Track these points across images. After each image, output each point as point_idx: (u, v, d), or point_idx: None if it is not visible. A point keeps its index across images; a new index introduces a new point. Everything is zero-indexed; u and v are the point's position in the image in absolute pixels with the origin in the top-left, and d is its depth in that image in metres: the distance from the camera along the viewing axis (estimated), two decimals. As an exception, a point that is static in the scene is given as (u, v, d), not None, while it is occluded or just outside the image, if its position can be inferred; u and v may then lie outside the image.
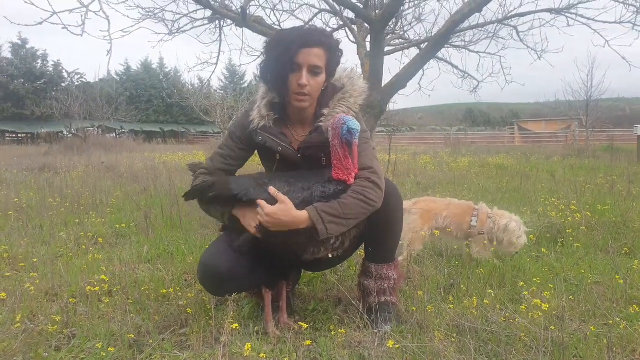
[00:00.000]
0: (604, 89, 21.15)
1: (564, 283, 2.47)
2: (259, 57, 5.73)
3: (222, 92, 31.63)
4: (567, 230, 3.48)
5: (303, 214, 1.71)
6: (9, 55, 36.26)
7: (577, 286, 2.49)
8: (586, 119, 22.18)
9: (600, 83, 21.88)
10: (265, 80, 1.92)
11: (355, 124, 1.72)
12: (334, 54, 1.86)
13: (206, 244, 3.09)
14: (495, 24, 5.03)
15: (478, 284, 2.43)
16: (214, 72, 5.82)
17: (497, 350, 1.72)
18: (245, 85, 37.19)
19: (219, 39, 5.20)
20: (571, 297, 2.27)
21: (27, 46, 37.40)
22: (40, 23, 3.54)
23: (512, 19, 4.78)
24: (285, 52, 1.78)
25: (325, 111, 1.90)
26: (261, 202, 1.73)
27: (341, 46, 1.93)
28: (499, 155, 12.96)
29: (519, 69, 7.45)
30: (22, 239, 3.39)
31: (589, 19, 4.29)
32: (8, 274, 2.57)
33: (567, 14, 4.35)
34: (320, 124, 1.88)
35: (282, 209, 1.70)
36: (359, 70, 4.84)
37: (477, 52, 5.67)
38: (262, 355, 1.65)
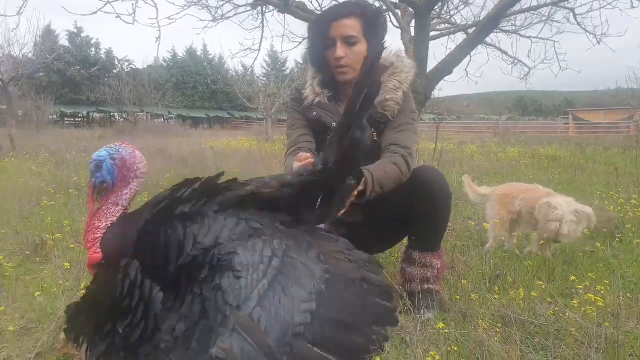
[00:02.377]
0: (672, 75, 19.77)
1: (620, 280, 2.35)
2: (300, 43, 5.74)
3: (265, 79, 32.03)
4: (627, 226, 3.29)
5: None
6: (67, 44, 38.10)
7: (636, 284, 2.36)
8: (651, 108, 20.87)
9: (668, 68, 20.48)
10: (312, 61, 1.94)
11: (97, 154, 1.15)
12: (371, 20, 1.82)
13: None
14: (550, 7, 4.78)
15: (526, 277, 2.34)
16: (256, 58, 5.90)
17: (545, 343, 1.67)
18: (287, 72, 37.37)
19: (261, 25, 5.25)
20: (629, 294, 2.15)
21: (82, 35, 39.18)
22: (95, 12, 3.72)
23: (569, 1, 4.54)
24: (320, 29, 1.82)
25: None
26: None
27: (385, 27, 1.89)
28: (551, 146, 12.42)
29: (575, 55, 7.06)
30: (83, 215, 3.59)
31: (656, -1, 4.00)
32: (72, 246, 2.73)
33: (631, -6, 4.08)
34: None
35: None
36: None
37: (529, 37, 5.42)
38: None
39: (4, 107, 14.15)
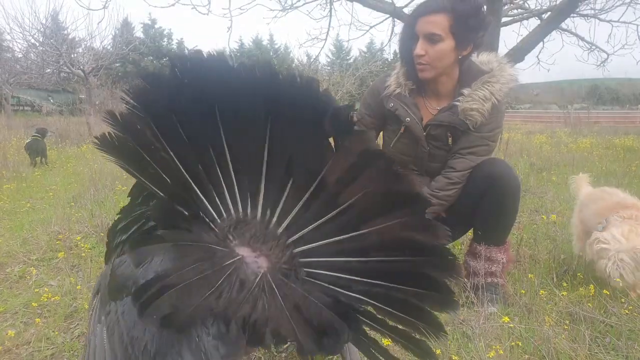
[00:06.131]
0: None
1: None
2: (367, 31, 5.73)
3: (329, 67, 32.12)
4: None
5: None
6: (141, 35, 40.13)
7: None
8: None
9: None
10: (399, 53, 1.93)
11: None
12: (462, 18, 1.72)
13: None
14: (637, -13, 4.45)
15: (596, 273, 2.25)
16: (323, 47, 5.98)
17: (617, 343, 1.60)
18: (351, 60, 37.09)
19: (329, 14, 5.29)
20: None
21: (156, 26, 41.12)
22: (173, 4, 3.92)
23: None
24: (409, 22, 1.80)
25: (466, 91, 1.81)
26: None
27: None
28: (628, 137, 11.52)
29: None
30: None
31: None
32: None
33: None
34: (457, 103, 1.82)
35: None
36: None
37: (609, 21, 5.07)
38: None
39: (84, 96, 15.23)
